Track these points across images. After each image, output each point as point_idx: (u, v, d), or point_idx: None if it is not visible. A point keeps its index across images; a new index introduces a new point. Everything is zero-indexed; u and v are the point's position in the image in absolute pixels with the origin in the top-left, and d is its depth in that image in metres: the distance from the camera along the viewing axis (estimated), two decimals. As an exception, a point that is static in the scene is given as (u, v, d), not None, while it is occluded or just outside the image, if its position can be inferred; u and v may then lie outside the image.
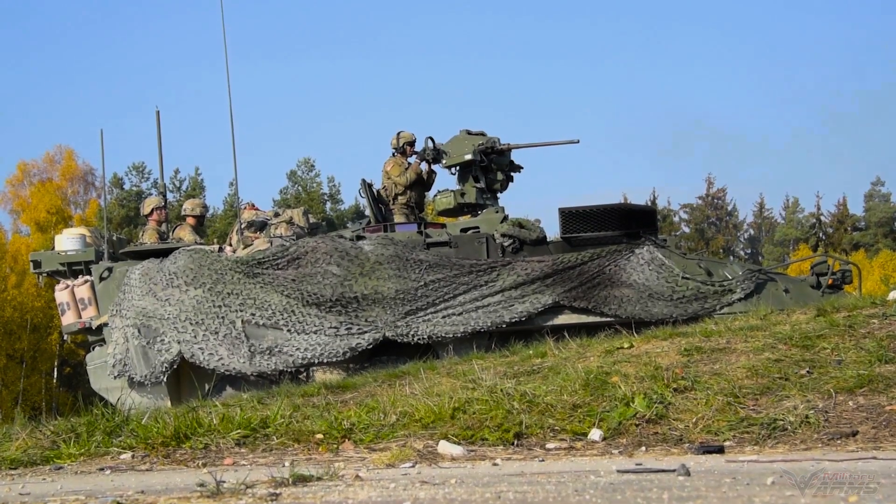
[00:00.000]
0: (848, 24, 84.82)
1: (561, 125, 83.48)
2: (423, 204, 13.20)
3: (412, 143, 13.01)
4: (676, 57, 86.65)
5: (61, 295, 11.90)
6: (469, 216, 12.72)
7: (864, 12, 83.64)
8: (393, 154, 13.09)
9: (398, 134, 13.07)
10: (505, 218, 12.12)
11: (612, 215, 11.81)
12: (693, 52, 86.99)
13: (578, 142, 13.39)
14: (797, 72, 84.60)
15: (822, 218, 58.88)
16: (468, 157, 12.60)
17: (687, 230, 56.89)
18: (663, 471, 5.11)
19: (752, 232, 59.72)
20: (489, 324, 11.14)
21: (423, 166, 13.02)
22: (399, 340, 11.06)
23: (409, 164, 12.96)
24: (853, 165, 77.53)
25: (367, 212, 13.61)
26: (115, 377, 11.12)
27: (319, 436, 6.55)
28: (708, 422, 6.33)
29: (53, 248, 12.42)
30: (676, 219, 57.23)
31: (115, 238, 12.93)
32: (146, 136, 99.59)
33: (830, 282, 11.89)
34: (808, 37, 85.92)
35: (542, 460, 5.88)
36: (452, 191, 12.84)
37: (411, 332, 11.03)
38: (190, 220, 13.06)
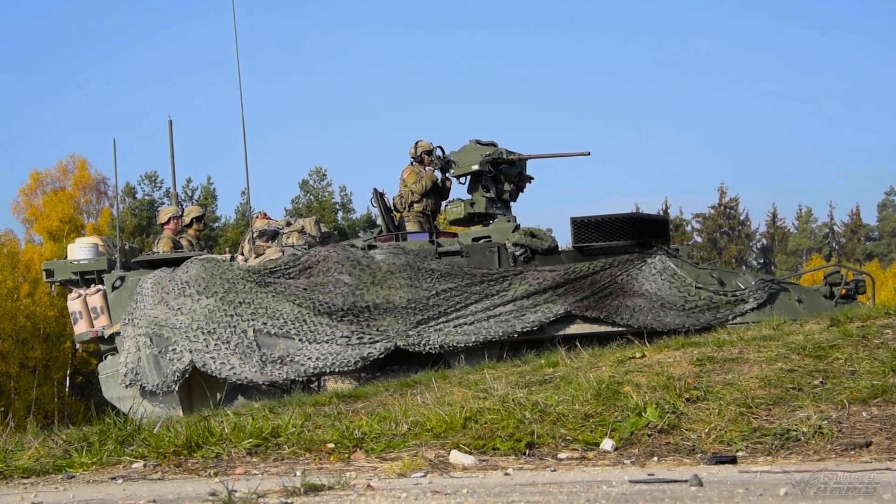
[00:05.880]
0: (861, 34, 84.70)
1: (573, 135, 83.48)
2: (437, 213, 13.20)
3: (430, 153, 13.03)
4: (684, 63, 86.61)
5: (74, 304, 11.92)
6: (480, 226, 12.71)
7: (877, 21, 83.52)
8: (411, 163, 13.11)
9: (416, 143, 13.10)
10: (517, 227, 12.11)
11: (624, 225, 11.79)
12: (701, 59, 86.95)
13: (589, 154, 13.37)
14: (809, 80, 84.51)
15: (836, 227, 58.78)
16: (475, 167, 12.61)
17: (699, 240, 56.83)
18: (675, 481, 5.09)
19: (764, 242, 59.59)
20: (501, 333, 11.12)
21: (438, 174, 13.05)
22: (410, 350, 11.05)
23: (426, 172, 12.99)
24: (866, 175, 77.40)
25: (379, 221, 13.62)
26: (126, 386, 11.13)
27: (331, 445, 6.55)
28: (720, 432, 6.31)
29: (66, 258, 12.45)
30: (689, 228, 57.19)
31: (127, 247, 12.95)
32: (159, 146, 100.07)
33: (844, 292, 11.84)
34: (818, 44, 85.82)
35: (554, 470, 5.86)
36: (462, 200, 12.84)
37: (423, 342, 11.02)
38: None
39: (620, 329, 11.11)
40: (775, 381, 6.93)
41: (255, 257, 11.85)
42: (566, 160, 14.16)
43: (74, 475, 6.27)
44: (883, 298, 28.93)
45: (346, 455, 6.38)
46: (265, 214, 13.29)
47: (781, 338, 8.01)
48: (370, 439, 6.60)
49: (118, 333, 11.52)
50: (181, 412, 10.59)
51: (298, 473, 5.89)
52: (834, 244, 58.01)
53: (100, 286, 11.87)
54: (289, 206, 48.10)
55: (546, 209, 73.15)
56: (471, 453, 6.24)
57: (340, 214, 48.35)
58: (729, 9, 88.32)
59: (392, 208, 13.16)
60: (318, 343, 10.99)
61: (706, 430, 6.34)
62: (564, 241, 12.02)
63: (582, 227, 11.76)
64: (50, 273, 12.19)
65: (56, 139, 70.75)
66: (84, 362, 33.42)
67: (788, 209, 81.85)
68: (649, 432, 6.40)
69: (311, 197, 48.74)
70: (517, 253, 11.71)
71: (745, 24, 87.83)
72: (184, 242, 12.91)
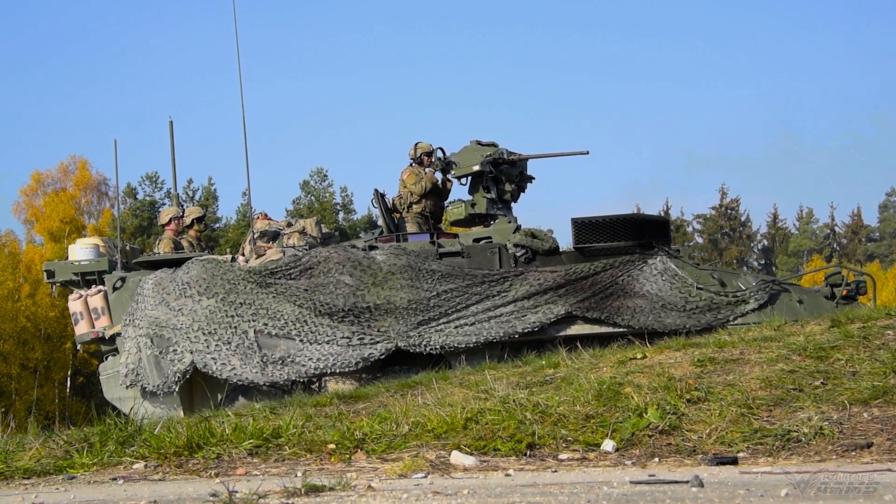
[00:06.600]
0: (862, 34, 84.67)
1: (575, 136, 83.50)
2: (439, 214, 13.18)
3: (429, 154, 13.03)
4: (684, 63, 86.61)
5: (74, 305, 11.92)
6: (481, 226, 12.71)
7: (878, 20, 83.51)
8: (410, 164, 13.11)
9: (416, 145, 13.10)
10: (517, 228, 12.10)
11: (625, 225, 11.79)
12: (702, 59, 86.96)
13: (588, 153, 13.42)
14: (809, 81, 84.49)
15: (837, 228, 58.77)
16: (476, 167, 12.61)
17: (700, 241, 56.83)
18: (676, 482, 5.09)
19: (765, 242, 59.58)
20: (501, 334, 11.12)
21: (438, 176, 13.05)
22: (411, 350, 11.05)
23: (426, 173, 12.99)
24: (867, 176, 77.41)
25: (380, 222, 13.61)
26: (127, 387, 11.14)
27: (332, 446, 6.55)
28: (721, 433, 6.30)
29: (67, 258, 12.45)
30: (690, 229, 57.20)
31: (128, 248, 12.95)
32: (159, 147, 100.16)
33: (845, 293, 11.83)
34: (820, 46, 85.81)
35: (555, 471, 5.86)
36: (463, 201, 12.84)
37: (423, 343, 11.02)
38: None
39: (621, 330, 11.11)
40: (776, 381, 6.93)
41: (256, 258, 11.85)
42: (568, 161, 14.24)
43: (75, 476, 6.27)
44: (884, 299, 28.93)
45: (347, 456, 6.38)
46: (266, 215, 13.29)
47: (782, 339, 8.01)
48: (371, 440, 6.60)
49: (119, 334, 11.52)
50: (182, 413, 10.59)
51: (299, 474, 5.89)
52: (835, 245, 58.00)
53: (101, 287, 11.87)
54: (290, 207, 48.17)
55: (547, 210, 73.20)
56: (472, 454, 6.24)
57: (341, 215, 48.35)
58: (729, 9, 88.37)
59: (392, 209, 13.16)
60: (319, 344, 10.98)
61: (707, 431, 6.34)
62: (565, 241, 12.04)
63: (583, 227, 11.75)
64: (51, 274, 12.19)
65: (57, 140, 70.86)
66: (85, 363, 33.42)
67: (789, 210, 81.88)
68: (650, 433, 6.40)
69: (312, 198, 48.74)
70: (518, 254, 11.70)
71: (746, 25, 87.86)
72: (185, 243, 12.91)
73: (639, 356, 8.04)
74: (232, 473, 6.10)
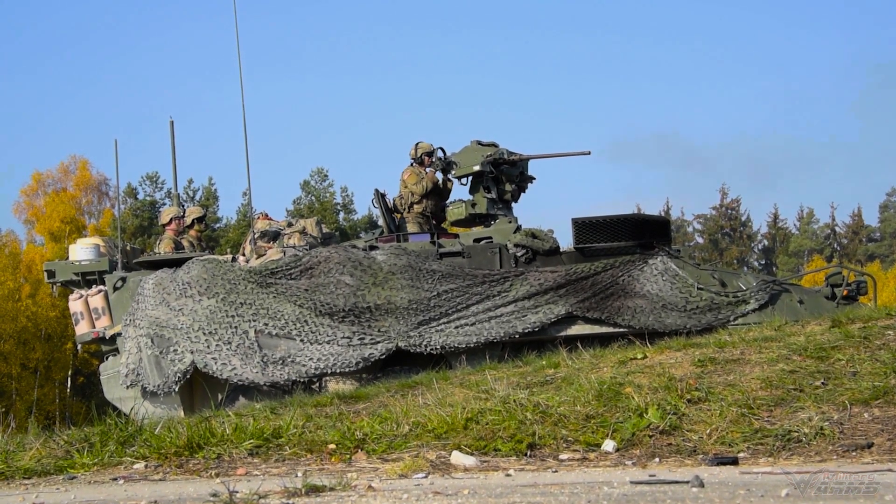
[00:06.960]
0: (862, 33, 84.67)
1: (575, 136, 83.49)
2: (440, 214, 13.17)
3: (430, 154, 13.03)
4: (684, 63, 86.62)
5: (75, 305, 11.92)
6: (481, 226, 12.71)
7: (878, 19, 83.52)
8: (411, 164, 13.11)
9: (416, 144, 13.10)
10: (518, 228, 12.10)
11: (625, 226, 11.79)
12: (701, 59, 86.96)
13: (590, 153, 13.43)
14: (809, 80, 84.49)
15: (837, 229, 58.76)
16: (476, 167, 12.61)
17: (701, 241, 56.84)
18: (677, 482, 5.09)
19: (766, 243, 59.57)
20: (502, 334, 11.12)
21: (439, 176, 13.05)
22: (412, 351, 11.05)
23: (426, 173, 12.99)
24: (868, 176, 77.39)
25: (380, 222, 13.61)
26: (128, 387, 11.14)
27: (332, 446, 6.54)
28: (722, 433, 6.30)
29: (67, 258, 12.45)
30: (690, 229, 57.23)
31: (128, 248, 12.95)
32: (160, 147, 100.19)
33: (845, 293, 11.83)
34: (818, 43, 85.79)
35: (556, 471, 5.86)
36: (464, 201, 12.84)
37: (424, 343, 11.02)
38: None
39: (622, 330, 11.11)
40: (777, 382, 6.93)
41: (257, 258, 11.85)
42: (569, 161, 14.26)
43: (76, 476, 6.27)
44: (884, 299, 28.94)
45: (348, 456, 6.38)
46: (267, 215, 13.28)
47: (783, 339, 8.01)
48: (371, 440, 6.60)
49: (119, 334, 11.52)
50: (182, 413, 10.59)
51: (300, 474, 5.89)
52: (835, 245, 58.00)
53: (101, 287, 11.87)
54: (290, 207, 48.16)
55: (547, 210, 73.21)
56: (472, 454, 6.24)
57: (342, 215, 48.35)
58: (729, 9, 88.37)
59: (393, 209, 13.16)
60: (320, 344, 10.98)
61: (707, 431, 6.34)
62: (566, 241, 12.04)
63: (583, 227, 11.75)
64: (51, 274, 12.19)
65: (57, 140, 70.90)
66: (85, 363, 33.42)
67: (790, 210, 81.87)
68: (650, 433, 6.40)
69: (313, 197, 48.74)
70: (518, 254, 11.70)
71: (746, 23, 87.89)
72: (185, 243, 12.91)
73: (639, 356, 8.04)
74: (232, 473, 6.10)
